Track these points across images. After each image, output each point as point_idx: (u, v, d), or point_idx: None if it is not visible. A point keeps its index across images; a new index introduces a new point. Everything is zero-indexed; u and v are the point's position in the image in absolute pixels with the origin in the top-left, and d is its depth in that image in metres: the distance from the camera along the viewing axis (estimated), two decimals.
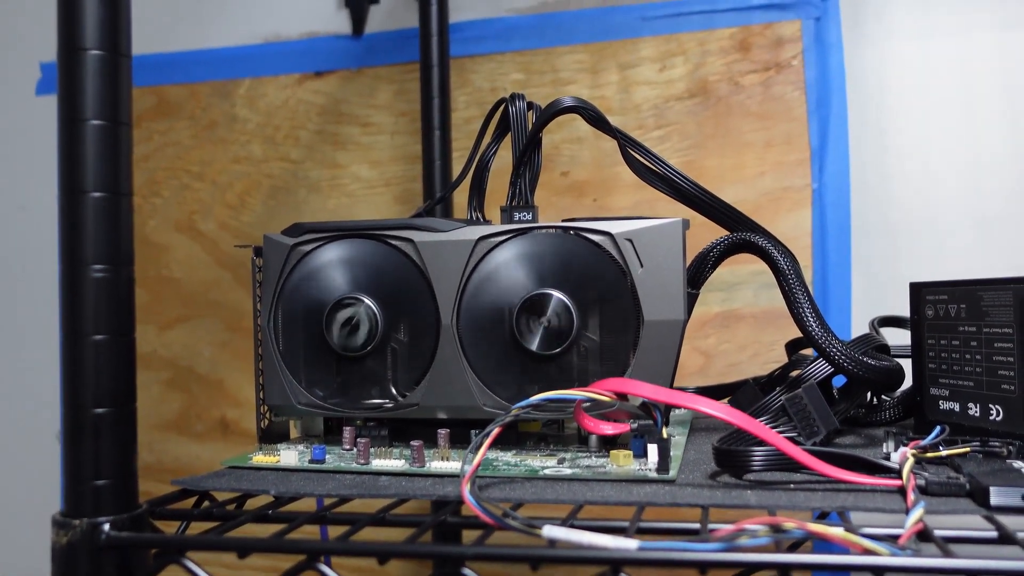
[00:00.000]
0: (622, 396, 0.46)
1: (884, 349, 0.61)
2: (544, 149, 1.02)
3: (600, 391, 0.46)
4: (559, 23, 1.05)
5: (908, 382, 0.60)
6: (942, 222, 0.91)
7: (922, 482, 0.42)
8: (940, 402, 0.57)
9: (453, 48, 1.04)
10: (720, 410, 0.44)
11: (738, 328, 0.95)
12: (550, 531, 0.35)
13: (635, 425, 0.52)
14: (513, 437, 0.58)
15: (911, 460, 0.43)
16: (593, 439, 0.55)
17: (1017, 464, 0.43)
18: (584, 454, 0.54)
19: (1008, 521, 0.37)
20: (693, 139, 0.99)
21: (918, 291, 0.60)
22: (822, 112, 0.95)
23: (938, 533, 0.36)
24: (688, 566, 0.33)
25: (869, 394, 0.65)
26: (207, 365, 1.11)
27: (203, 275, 1.12)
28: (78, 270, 0.40)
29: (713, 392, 0.72)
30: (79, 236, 0.40)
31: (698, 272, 0.60)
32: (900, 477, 0.42)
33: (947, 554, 0.33)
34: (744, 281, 0.95)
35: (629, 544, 0.34)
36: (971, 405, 0.54)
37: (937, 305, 0.58)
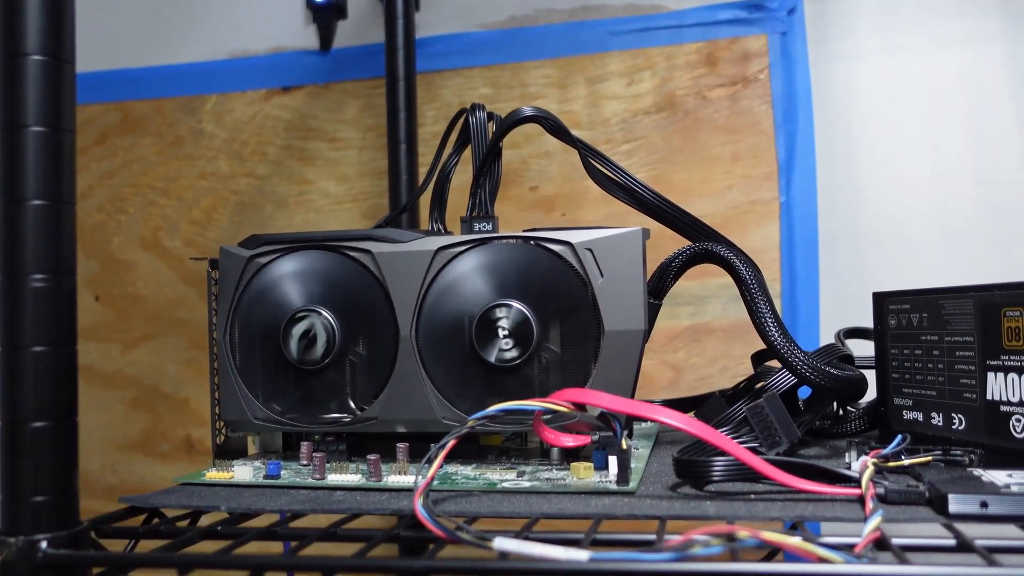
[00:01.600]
0: (580, 407, 0.46)
1: (848, 359, 0.61)
2: (513, 164, 1.03)
3: (558, 402, 0.46)
4: (527, 38, 1.05)
5: (874, 393, 0.60)
6: (909, 235, 0.92)
7: (882, 491, 0.41)
8: (904, 412, 0.57)
9: (422, 63, 1.04)
10: (680, 420, 0.43)
11: (708, 342, 0.95)
12: (501, 543, 0.35)
13: (596, 437, 0.52)
14: (474, 451, 0.57)
15: (871, 469, 0.42)
16: (555, 452, 0.54)
17: (978, 472, 0.43)
18: (545, 467, 0.53)
19: (967, 529, 0.37)
20: (661, 153, 0.99)
21: (881, 301, 0.59)
22: (789, 126, 0.95)
23: (898, 542, 0.36)
24: None
25: (835, 405, 0.64)
26: (172, 384, 1.09)
27: (169, 292, 1.11)
28: (17, 280, 0.38)
29: (680, 405, 0.71)
30: (18, 245, 0.39)
31: (660, 282, 0.59)
32: (860, 486, 0.41)
33: (903, 562, 0.33)
34: (713, 295, 0.95)
35: (580, 556, 0.33)
36: (934, 414, 0.54)
37: (900, 315, 0.58)
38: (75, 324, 0.40)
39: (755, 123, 0.97)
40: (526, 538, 0.38)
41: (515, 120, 0.58)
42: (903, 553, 0.34)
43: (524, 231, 0.56)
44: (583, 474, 0.49)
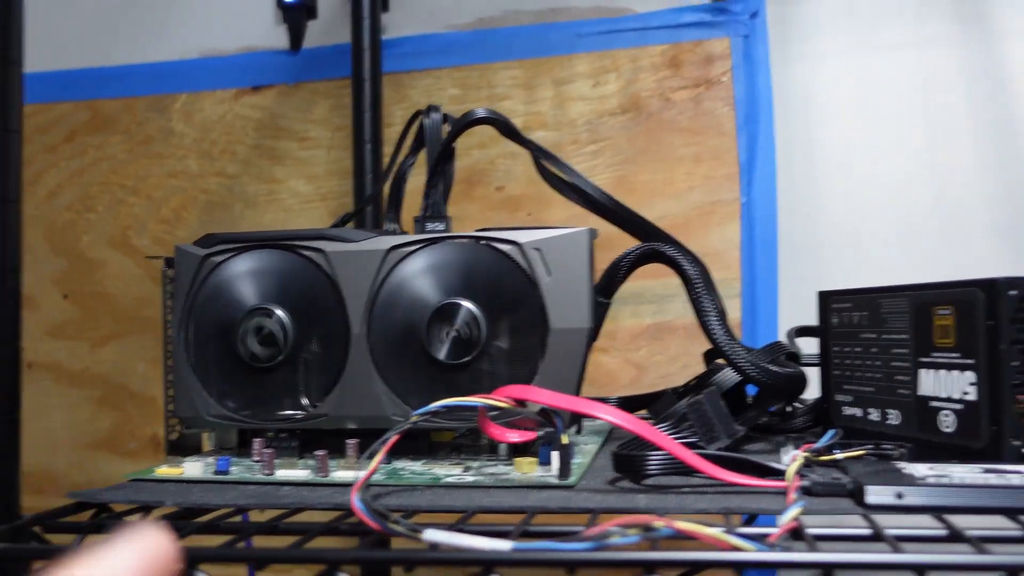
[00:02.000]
0: (521, 403, 0.47)
1: (794, 357, 0.62)
2: (480, 164, 1.04)
3: (500, 398, 0.47)
4: (495, 39, 1.06)
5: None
6: (866, 236, 0.93)
7: (808, 483, 0.42)
8: (844, 408, 0.58)
9: (391, 63, 1.05)
10: (617, 416, 0.44)
11: (670, 340, 0.96)
12: (431, 535, 0.36)
13: (542, 433, 0.53)
14: (425, 447, 0.58)
15: (798, 462, 0.43)
16: (503, 448, 0.55)
17: (902, 465, 0.44)
18: (493, 463, 0.54)
19: (888, 519, 0.38)
20: (625, 154, 1.00)
21: (825, 300, 0.61)
22: (750, 128, 0.97)
23: (818, 532, 0.37)
24: (557, 565, 0.33)
25: (786, 401, 0.66)
26: (140, 382, 1.10)
27: (137, 291, 1.11)
28: None
29: (635, 402, 0.72)
30: None
31: (610, 282, 0.60)
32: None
33: (813, 550, 0.34)
34: (675, 293, 0.96)
35: (503, 546, 0.34)
36: (871, 410, 0.55)
37: (842, 313, 0.59)
38: (19, 321, 0.41)
39: (718, 125, 0.98)
40: (460, 530, 0.39)
41: (467, 122, 0.59)
42: (815, 542, 0.35)
43: (476, 231, 0.57)
44: (526, 469, 0.50)
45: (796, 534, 0.36)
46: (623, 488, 0.46)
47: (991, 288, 0.46)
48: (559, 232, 0.54)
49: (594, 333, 0.59)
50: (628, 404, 0.72)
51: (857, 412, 0.57)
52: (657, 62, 1.01)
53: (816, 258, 0.94)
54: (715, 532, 0.33)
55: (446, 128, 0.61)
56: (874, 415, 0.55)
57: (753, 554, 0.33)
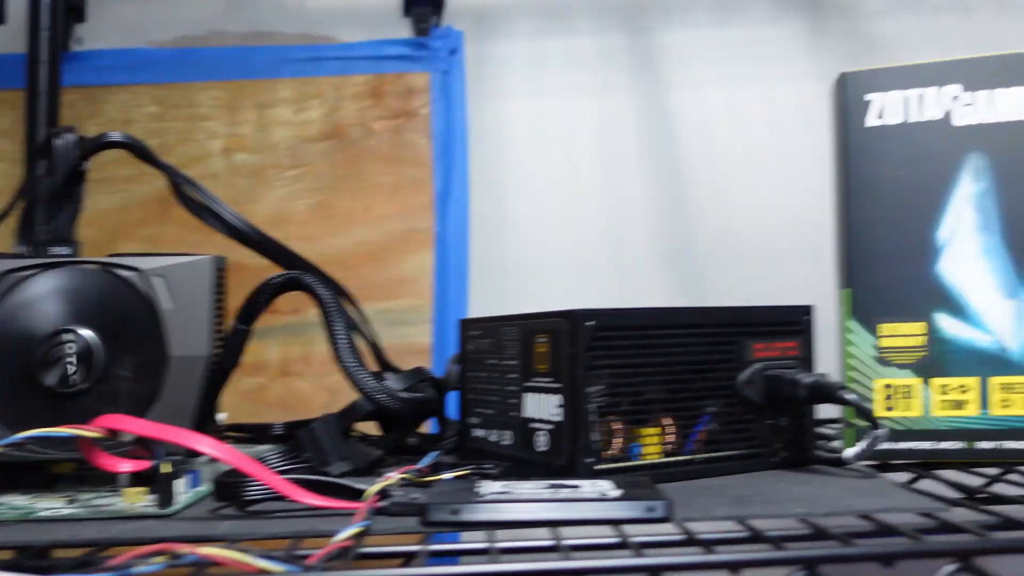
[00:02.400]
0: (113, 432, 0.46)
1: (437, 382, 0.65)
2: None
3: (94, 428, 0.46)
4: (197, 58, 1.04)
5: None
6: (548, 264, 0.99)
7: (387, 503, 0.44)
8: (474, 430, 0.61)
9: (86, 76, 1.01)
10: (207, 446, 0.45)
11: None
12: None
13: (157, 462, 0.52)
14: (42, 480, 0.55)
15: (381, 484, 0.46)
16: (123, 479, 0.54)
17: (482, 483, 0.47)
18: (107, 494, 0.52)
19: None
20: (326, 180, 1.01)
21: (463, 327, 0.64)
22: (446, 159, 1.01)
23: (386, 550, 0.39)
24: None
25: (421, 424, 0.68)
26: None
27: None
28: None
29: (298, 426, 0.73)
30: None
31: (252, 309, 0.60)
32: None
33: (348, 569, 0.36)
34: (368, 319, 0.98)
35: None
36: (493, 432, 0.59)
37: (475, 340, 0.62)
38: None
39: (416, 155, 1.01)
40: (34, 569, 0.37)
41: (97, 145, 0.58)
42: (353, 561, 0.37)
43: (109, 256, 0.55)
44: (132, 499, 0.50)
45: (344, 553, 0.38)
46: (219, 516, 0.46)
47: (571, 318, 0.51)
48: (183, 260, 0.54)
49: (231, 360, 0.59)
50: (292, 428, 0.73)
51: (482, 433, 0.60)
52: (360, 92, 1.03)
53: (504, 285, 0.99)
54: (240, 556, 0.34)
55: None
56: (494, 436, 0.59)
57: None
